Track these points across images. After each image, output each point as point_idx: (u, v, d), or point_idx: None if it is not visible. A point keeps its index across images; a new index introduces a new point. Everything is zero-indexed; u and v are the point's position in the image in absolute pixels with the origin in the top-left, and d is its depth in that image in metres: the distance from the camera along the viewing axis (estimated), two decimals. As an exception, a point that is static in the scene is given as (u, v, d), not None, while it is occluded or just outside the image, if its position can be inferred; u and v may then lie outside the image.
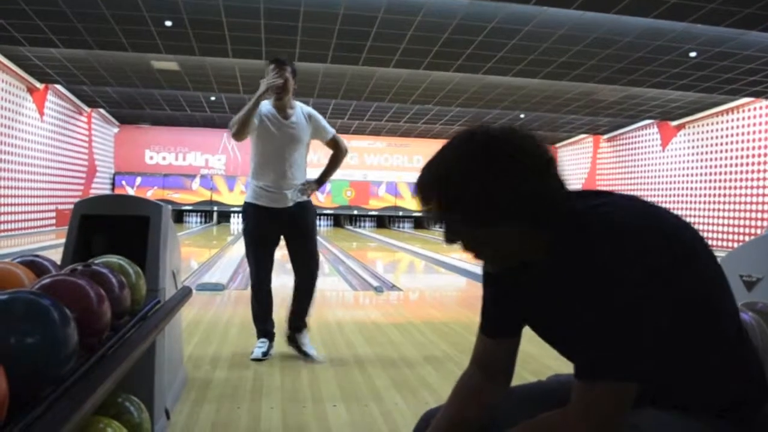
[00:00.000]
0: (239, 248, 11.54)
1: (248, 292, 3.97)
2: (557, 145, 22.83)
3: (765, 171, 13.90)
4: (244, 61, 11.22)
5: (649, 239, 1.03)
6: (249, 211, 3.78)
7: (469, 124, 12.14)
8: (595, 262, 1.01)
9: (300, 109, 3.82)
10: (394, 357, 3.90)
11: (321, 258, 4.10)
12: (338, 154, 3.98)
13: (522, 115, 17.06)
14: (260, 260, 3.81)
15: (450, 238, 1.14)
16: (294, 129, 3.73)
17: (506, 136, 1.07)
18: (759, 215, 13.86)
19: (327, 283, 7.60)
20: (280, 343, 3.87)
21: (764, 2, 7.74)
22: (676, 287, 1.03)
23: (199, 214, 20.79)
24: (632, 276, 0.99)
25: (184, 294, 2.50)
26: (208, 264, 9.13)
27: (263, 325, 3.84)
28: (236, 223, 19.55)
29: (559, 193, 1.10)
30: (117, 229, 2.46)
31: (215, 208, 20.65)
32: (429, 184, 1.09)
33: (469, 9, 8.57)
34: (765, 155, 13.95)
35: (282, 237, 3.83)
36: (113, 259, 2.02)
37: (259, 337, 3.83)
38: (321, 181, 3.84)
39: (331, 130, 3.95)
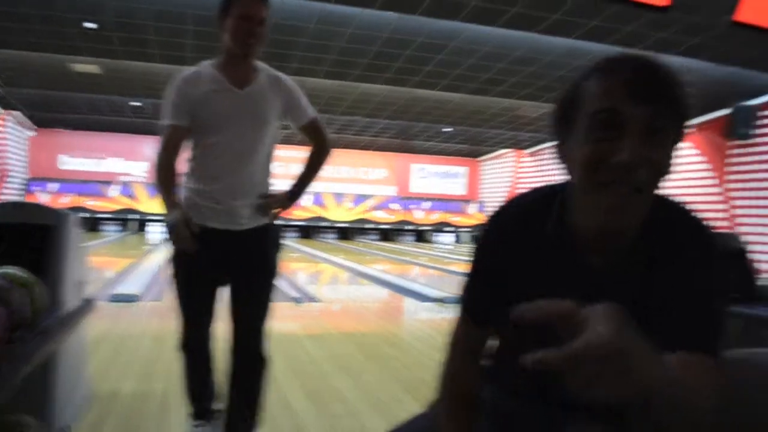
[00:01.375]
0: (156, 257, 11.28)
1: (164, 303, 3.84)
2: (480, 158, 23.32)
3: (678, 181, 14.67)
4: (171, 66, 11.00)
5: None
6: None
7: (396, 136, 12.30)
8: (704, 253, 1.04)
9: (265, 73, 2.49)
10: (309, 369, 3.89)
11: None
12: (320, 148, 2.63)
13: (448, 129, 17.38)
14: (194, 308, 2.45)
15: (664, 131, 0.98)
16: (255, 103, 2.40)
17: None
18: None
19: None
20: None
21: (678, 28, 8.18)
22: None
23: (116, 222, 20.13)
24: (725, 271, 1.05)
25: (88, 306, 2.43)
26: (124, 274, 8.87)
27: (199, 404, 2.60)
28: (155, 232, 19.02)
29: None
30: (19, 238, 2.38)
31: (134, 217, 20.05)
32: (670, 75, 0.98)
33: (398, 23, 8.69)
34: (677, 168, 14.68)
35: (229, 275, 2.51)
36: (11, 269, 1.95)
37: (194, 417, 2.61)
38: (295, 193, 2.57)
39: (311, 110, 2.58)
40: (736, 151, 13.35)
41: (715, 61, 9.76)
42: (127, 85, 12.91)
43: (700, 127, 14.13)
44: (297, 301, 6.83)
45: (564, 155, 1.08)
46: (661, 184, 1.02)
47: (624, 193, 0.97)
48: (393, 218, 22.12)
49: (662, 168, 0.99)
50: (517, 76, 10.89)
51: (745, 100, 12.53)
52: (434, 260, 14.62)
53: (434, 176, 23.15)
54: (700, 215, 1.10)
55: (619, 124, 0.95)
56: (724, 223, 13.32)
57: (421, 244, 21.26)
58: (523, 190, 1.22)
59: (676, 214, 1.09)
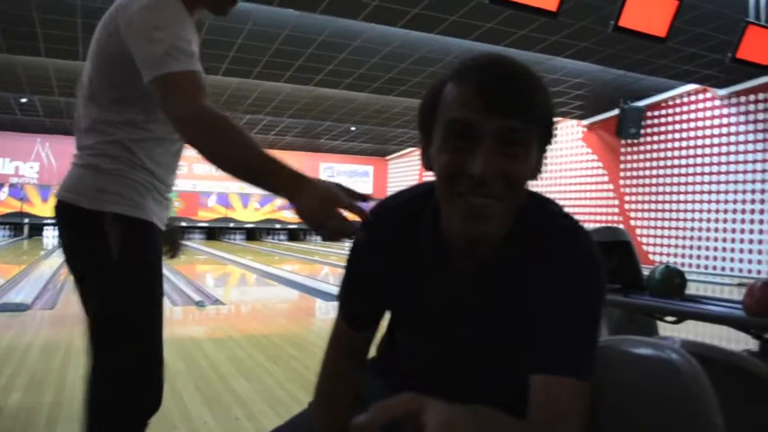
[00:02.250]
0: (51, 263, 10.75)
1: (56, 311, 3.64)
2: (387, 157, 23.55)
3: (574, 179, 15.34)
4: (59, 61, 10.50)
5: (602, 259, 1.05)
6: (150, 235, 1.68)
7: (302, 134, 12.24)
8: (572, 263, 1.00)
9: None
10: (208, 373, 3.82)
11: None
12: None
13: (353, 128, 17.44)
14: (159, 323, 1.82)
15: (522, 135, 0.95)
16: None
17: None
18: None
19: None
20: (83, 363, 3.64)
21: (568, 32, 8.54)
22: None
23: (7, 226, 19.01)
24: (600, 284, 1.02)
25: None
26: (14, 281, 8.39)
27: None
28: (50, 236, 18.12)
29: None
30: None
31: (26, 221, 18.99)
32: (528, 82, 0.95)
33: (300, 21, 8.65)
34: (572, 167, 15.40)
35: None
36: None
37: None
38: None
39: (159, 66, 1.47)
40: (626, 149, 14.08)
41: (602, 65, 10.26)
42: (13, 80, 12.23)
43: (592, 127, 14.83)
44: (199, 304, 6.68)
45: (427, 160, 1.05)
46: (524, 189, 1.00)
47: (479, 204, 0.94)
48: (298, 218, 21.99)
49: (520, 177, 0.96)
50: (419, 75, 11.06)
51: (634, 101, 13.24)
52: (343, 259, 14.61)
53: (343, 175, 23.19)
54: (575, 221, 1.07)
55: (474, 135, 0.93)
56: (618, 218, 14.03)
57: (331, 243, 21.24)
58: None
59: (549, 219, 1.05)
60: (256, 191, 13.88)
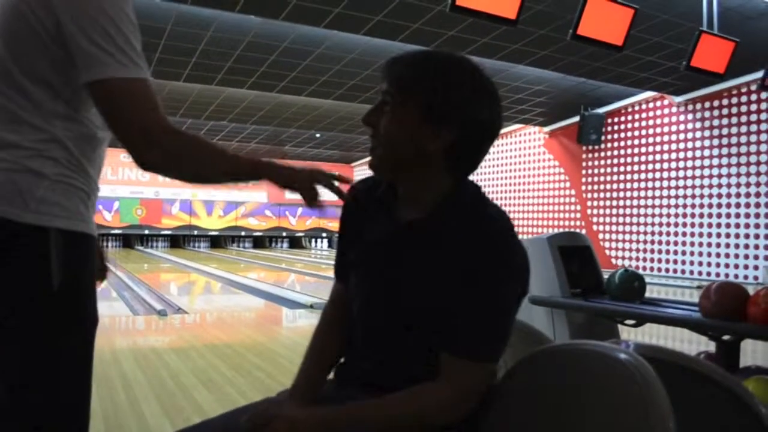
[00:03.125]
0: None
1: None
2: (353, 164, 23.53)
3: (537, 185, 15.52)
4: None
5: (522, 248, 1.16)
6: (92, 252, 1.34)
7: (266, 141, 12.15)
8: (493, 249, 1.13)
9: None
10: (169, 384, 3.75)
11: (105, 284, 3.54)
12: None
13: (318, 134, 17.40)
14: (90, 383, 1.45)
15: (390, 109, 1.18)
16: None
17: (492, 84, 1.21)
18: (535, 223, 15.37)
19: (107, 309, 7.14)
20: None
21: (529, 40, 8.64)
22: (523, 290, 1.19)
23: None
24: (511, 279, 1.14)
25: None
26: None
27: None
28: None
29: (478, 159, 1.22)
30: None
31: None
32: (418, 62, 1.18)
33: (262, 27, 8.59)
34: (535, 173, 15.58)
35: None
36: None
37: None
38: None
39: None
40: (588, 156, 14.29)
41: (563, 72, 10.41)
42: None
43: (554, 133, 15.03)
44: (161, 314, 6.57)
45: None
46: (398, 146, 1.18)
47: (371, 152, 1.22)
48: (266, 225, 21.85)
49: (380, 132, 1.18)
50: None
51: (594, 108, 13.45)
52: (310, 266, 14.56)
53: (307, 182, 23.08)
54: (504, 218, 1.18)
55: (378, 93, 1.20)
56: (580, 223, 14.22)
57: (297, 250, 21.14)
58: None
59: (480, 207, 1.18)
60: (221, 198, 13.69)
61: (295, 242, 22.38)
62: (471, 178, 1.25)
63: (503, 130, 15.63)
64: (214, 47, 9.31)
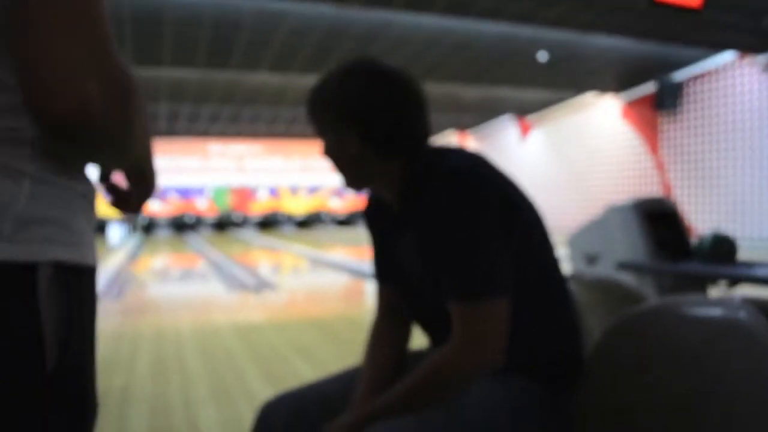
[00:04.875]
0: (115, 259, 11.00)
1: (123, 302, 3.69)
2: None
3: (613, 155, 15.00)
4: None
5: (478, 180, 1.12)
6: (92, 297, 0.78)
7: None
8: (435, 196, 1.11)
9: None
10: (269, 354, 3.85)
11: (201, 263, 3.48)
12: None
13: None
14: None
15: (324, 145, 1.23)
16: None
17: (389, 68, 1.20)
18: (604, 197, 14.88)
19: (205, 288, 7.40)
20: (150, 349, 3.71)
21: (604, 7, 8.30)
22: (502, 223, 1.11)
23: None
24: (466, 204, 1.09)
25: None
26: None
27: None
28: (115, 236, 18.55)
29: (420, 131, 1.20)
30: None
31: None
32: (314, 89, 1.22)
33: (337, 16, 8.61)
34: (611, 143, 15.05)
35: None
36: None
37: None
38: None
39: None
40: (666, 123, 13.68)
41: (638, 38, 9.96)
42: None
43: (629, 101, 14.44)
44: (256, 291, 6.75)
45: None
46: (347, 155, 1.20)
47: (352, 181, 1.24)
48: (348, 206, 22.08)
49: (328, 152, 1.22)
50: (456, 59, 10.94)
51: (668, 73, 12.83)
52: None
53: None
54: (454, 158, 1.16)
55: None
56: (659, 190, 13.67)
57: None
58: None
59: (426, 167, 1.17)
60: (305, 184, 13.79)
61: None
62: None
63: (578, 102, 15.21)
64: (293, 38, 9.40)
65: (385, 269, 1.34)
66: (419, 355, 1.34)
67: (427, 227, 1.13)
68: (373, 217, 1.36)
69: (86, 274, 0.74)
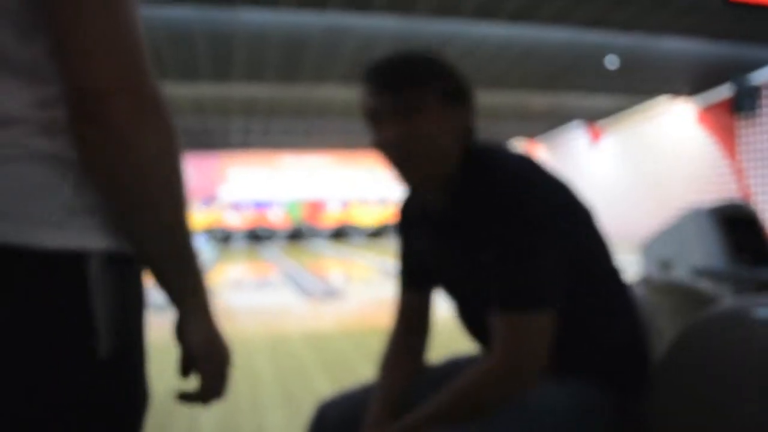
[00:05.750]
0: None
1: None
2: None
3: (684, 164, 14.42)
4: None
5: (545, 186, 1.09)
6: (140, 285, 0.77)
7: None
8: (498, 200, 1.06)
9: None
10: (338, 362, 3.86)
11: (274, 273, 3.70)
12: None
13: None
14: None
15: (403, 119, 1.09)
16: None
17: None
18: (678, 204, 14.30)
19: (278, 296, 7.52)
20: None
21: (675, 9, 8.02)
22: (560, 230, 1.07)
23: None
24: (528, 214, 1.04)
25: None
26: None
27: None
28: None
29: (471, 130, 1.16)
30: None
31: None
32: (399, 63, 1.11)
33: (402, 28, 8.65)
34: (685, 149, 14.48)
35: None
36: None
37: None
38: None
39: None
40: (744, 127, 13.06)
41: (710, 40, 9.57)
42: None
43: (706, 108, 13.87)
44: (326, 299, 6.82)
45: None
46: (441, 143, 1.11)
47: (395, 165, 1.11)
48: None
49: (423, 135, 1.08)
50: (523, 67, 10.79)
51: (744, 74, 12.25)
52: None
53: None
54: (510, 162, 1.11)
55: (378, 115, 1.10)
56: (738, 196, 13.05)
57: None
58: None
59: (484, 165, 1.11)
60: (374, 197, 13.80)
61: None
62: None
63: (651, 107, 14.73)
64: (361, 50, 9.50)
65: (413, 274, 1.31)
66: (456, 363, 1.32)
67: (485, 231, 1.07)
68: (409, 219, 1.30)
69: (135, 263, 0.74)
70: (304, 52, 9.41)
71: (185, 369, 0.83)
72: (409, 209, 1.30)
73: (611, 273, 1.15)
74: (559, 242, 1.05)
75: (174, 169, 0.70)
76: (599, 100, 14.22)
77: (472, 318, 1.23)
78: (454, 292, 1.25)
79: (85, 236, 0.68)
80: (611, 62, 10.31)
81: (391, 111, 1.09)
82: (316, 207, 21.30)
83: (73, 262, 0.67)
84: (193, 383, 0.83)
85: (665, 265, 3.81)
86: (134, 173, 0.67)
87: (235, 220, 20.20)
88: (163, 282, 0.77)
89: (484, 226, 1.07)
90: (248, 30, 8.44)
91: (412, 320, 1.31)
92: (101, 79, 0.63)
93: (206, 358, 0.81)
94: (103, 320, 0.68)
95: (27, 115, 0.66)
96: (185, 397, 0.84)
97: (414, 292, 1.31)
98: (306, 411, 2.84)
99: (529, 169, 1.10)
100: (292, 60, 9.75)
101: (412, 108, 1.08)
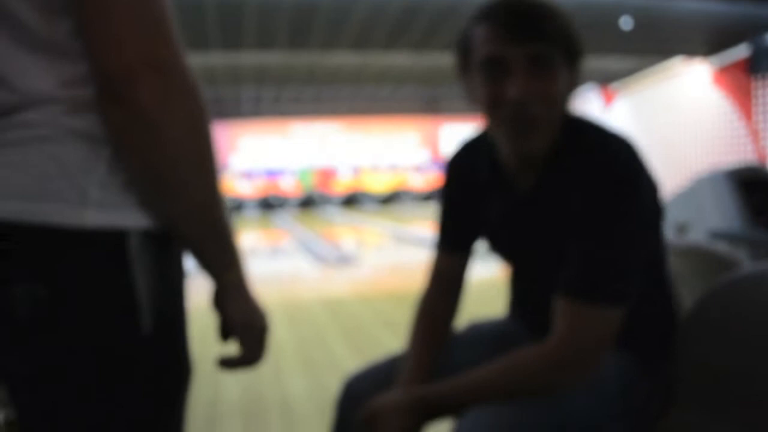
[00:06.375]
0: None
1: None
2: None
3: (699, 126, 14.26)
4: None
5: (645, 177, 1.05)
6: (180, 262, 0.81)
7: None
8: (599, 183, 1.00)
9: None
10: (355, 326, 3.92)
11: (287, 240, 3.72)
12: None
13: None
14: None
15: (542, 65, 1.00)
16: None
17: None
18: (694, 167, 14.17)
19: (292, 263, 7.58)
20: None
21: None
22: (653, 224, 1.08)
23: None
24: (629, 205, 1.00)
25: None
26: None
27: None
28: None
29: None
30: None
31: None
32: (546, 11, 1.01)
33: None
34: (697, 114, 14.30)
35: None
36: None
37: None
38: None
39: None
40: (760, 88, 12.85)
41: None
42: None
43: (722, 69, 13.63)
44: (340, 264, 6.87)
45: (471, 96, 1.10)
46: (562, 107, 1.05)
47: (522, 125, 1.01)
48: (429, 183, 22.01)
49: (553, 95, 1.02)
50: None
51: (761, 34, 12.00)
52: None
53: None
54: (617, 143, 1.05)
55: (506, 65, 0.99)
56: (754, 158, 12.91)
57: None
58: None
59: (584, 140, 1.06)
60: (386, 163, 13.72)
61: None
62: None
63: (666, 68, 14.50)
64: (371, 14, 9.39)
65: (456, 237, 1.24)
66: (479, 330, 1.31)
67: (579, 210, 1.01)
68: (464, 180, 1.21)
69: (174, 242, 0.76)
70: (314, 19, 9.32)
71: (224, 335, 0.88)
72: (465, 169, 1.22)
73: (658, 247, 1.13)
74: (647, 234, 1.03)
75: (205, 146, 0.71)
76: (612, 62, 14.01)
77: (529, 288, 1.22)
78: (516, 259, 1.22)
79: (124, 214, 0.69)
80: (626, 23, 10.13)
81: (526, 64, 0.99)
82: (327, 174, 21.27)
83: (114, 240, 0.68)
84: (231, 348, 0.87)
85: (682, 228, 3.81)
86: (164, 154, 0.68)
87: (247, 189, 20.23)
88: (199, 257, 0.79)
89: (580, 204, 1.01)
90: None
91: (448, 283, 1.24)
92: (128, 60, 0.63)
93: (246, 327, 0.86)
94: (145, 297, 0.70)
95: (57, 94, 0.66)
96: (227, 363, 0.88)
97: (453, 255, 1.24)
98: (327, 379, 2.90)
99: (633, 156, 1.03)
100: (302, 27, 9.66)
101: (549, 64, 1.00)
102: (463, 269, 1.26)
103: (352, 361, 3.16)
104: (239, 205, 19.97)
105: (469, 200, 1.20)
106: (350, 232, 12.88)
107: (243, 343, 0.86)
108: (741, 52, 12.71)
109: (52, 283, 0.66)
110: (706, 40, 12.26)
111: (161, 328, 0.73)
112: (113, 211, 0.69)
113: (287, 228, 13.37)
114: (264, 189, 20.37)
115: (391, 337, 3.57)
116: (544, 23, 0.99)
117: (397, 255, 8.74)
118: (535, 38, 0.98)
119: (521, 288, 1.28)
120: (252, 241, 10.99)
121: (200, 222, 0.75)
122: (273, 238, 11.91)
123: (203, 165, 0.72)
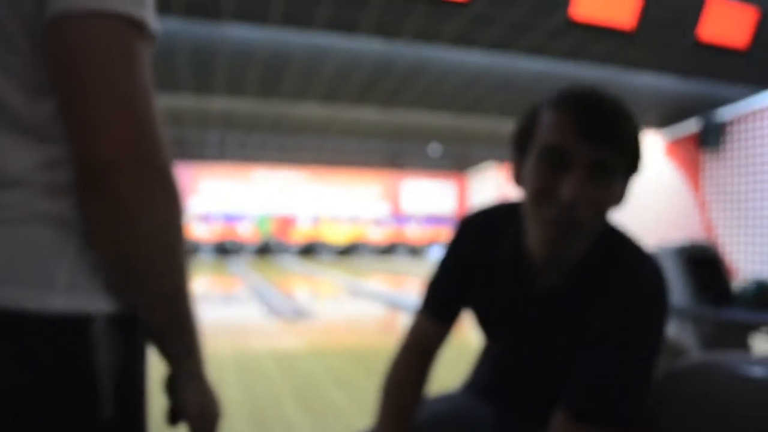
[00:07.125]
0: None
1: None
2: (466, 171, 23.37)
3: (651, 196, 14.72)
4: None
5: (666, 302, 1.02)
6: (142, 347, 0.81)
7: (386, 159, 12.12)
8: (629, 299, 0.99)
9: None
10: (307, 383, 3.85)
11: (241, 288, 3.73)
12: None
13: (437, 148, 17.44)
14: None
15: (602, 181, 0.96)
16: None
17: None
18: (645, 235, 14.57)
19: (245, 313, 7.46)
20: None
21: (647, 47, 8.23)
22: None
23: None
24: (656, 336, 0.99)
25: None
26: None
27: None
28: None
29: None
30: None
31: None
32: (619, 115, 0.97)
33: (384, 51, 8.75)
34: (653, 181, 14.78)
35: None
36: None
37: None
38: None
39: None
40: (708, 161, 13.41)
41: (681, 77, 9.86)
42: None
43: (674, 141, 14.22)
44: (293, 319, 6.78)
45: (518, 178, 1.07)
46: (607, 216, 1.02)
47: (564, 228, 0.97)
48: (387, 236, 22.07)
49: (605, 204, 0.98)
50: (499, 95, 10.97)
51: (712, 110, 12.62)
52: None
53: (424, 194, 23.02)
54: (646, 257, 1.04)
55: (566, 161, 0.95)
56: (701, 231, 13.36)
57: (416, 259, 21.22)
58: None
59: (622, 254, 1.04)
60: (345, 214, 13.77)
61: (414, 252, 22.41)
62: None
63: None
64: (342, 70, 9.57)
65: (445, 306, 1.19)
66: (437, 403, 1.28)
67: (599, 320, 1.00)
68: (477, 247, 1.15)
69: (137, 323, 0.75)
70: (286, 70, 9.44)
71: (173, 420, 0.87)
72: (483, 239, 1.14)
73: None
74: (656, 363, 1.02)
75: (177, 237, 0.71)
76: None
77: (517, 374, 1.20)
78: (511, 345, 1.18)
79: (90, 299, 0.69)
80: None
81: (588, 165, 0.95)
82: (286, 222, 21.16)
83: (78, 324, 0.68)
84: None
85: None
86: (138, 246, 0.68)
87: (204, 232, 19.96)
88: (160, 343, 0.80)
89: (607, 318, 0.99)
90: (231, 45, 8.45)
91: (422, 355, 1.20)
92: (111, 150, 0.63)
93: (198, 416, 0.85)
94: (106, 382, 0.69)
95: (32, 177, 0.66)
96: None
97: (437, 323, 1.19)
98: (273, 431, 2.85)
99: (662, 279, 1.01)
100: (273, 76, 9.77)
101: (610, 172, 0.96)
102: (440, 342, 1.21)
103: (303, 420, 3.11)
104: (195, 248, 19.64)
105: (477, 273, 1.14)
106: (306, 283, 12.77)
107: (195, 431, 0.86)
108: (692, 126, 13.30)
109: (14, 367, 0.65)
110: (660, 113, 12.83)
111: (122, 412, 0.72)
112: (79, 295, 0.68)
113: (242, 275, 13.19)
114: (221, 233, 20.13)
115: (343, 397, 3.53)
116: (619, 130, 0.96)
117: (351, 308, 8.69)
118: (606, 143, 0.95)
119: (505, 369, 1.25)
120: (205, 287, 10.81)
121: (165, 311, 0.75)
122: (227, 284, 11.72)
123: (174, 256, 0.72)
